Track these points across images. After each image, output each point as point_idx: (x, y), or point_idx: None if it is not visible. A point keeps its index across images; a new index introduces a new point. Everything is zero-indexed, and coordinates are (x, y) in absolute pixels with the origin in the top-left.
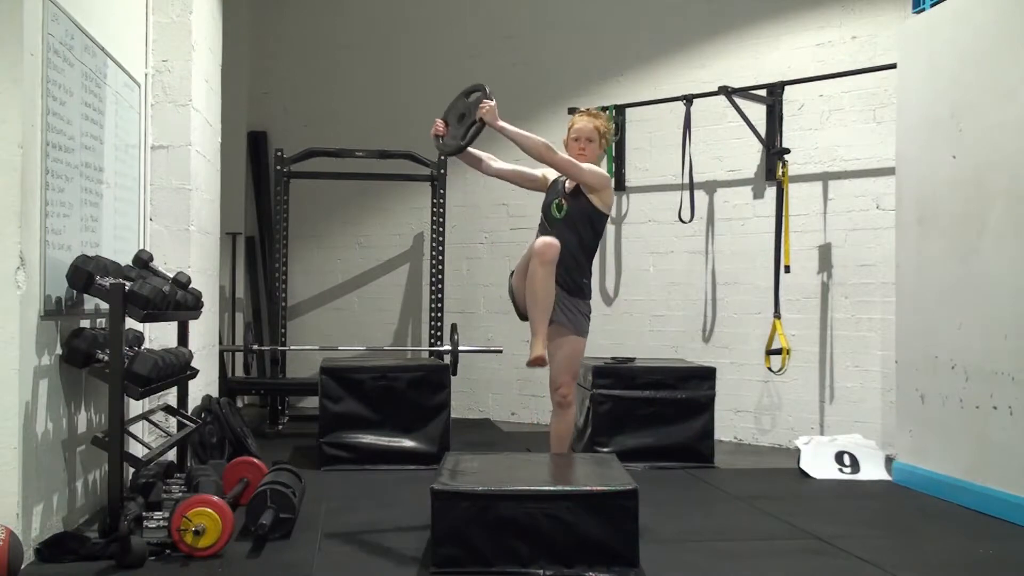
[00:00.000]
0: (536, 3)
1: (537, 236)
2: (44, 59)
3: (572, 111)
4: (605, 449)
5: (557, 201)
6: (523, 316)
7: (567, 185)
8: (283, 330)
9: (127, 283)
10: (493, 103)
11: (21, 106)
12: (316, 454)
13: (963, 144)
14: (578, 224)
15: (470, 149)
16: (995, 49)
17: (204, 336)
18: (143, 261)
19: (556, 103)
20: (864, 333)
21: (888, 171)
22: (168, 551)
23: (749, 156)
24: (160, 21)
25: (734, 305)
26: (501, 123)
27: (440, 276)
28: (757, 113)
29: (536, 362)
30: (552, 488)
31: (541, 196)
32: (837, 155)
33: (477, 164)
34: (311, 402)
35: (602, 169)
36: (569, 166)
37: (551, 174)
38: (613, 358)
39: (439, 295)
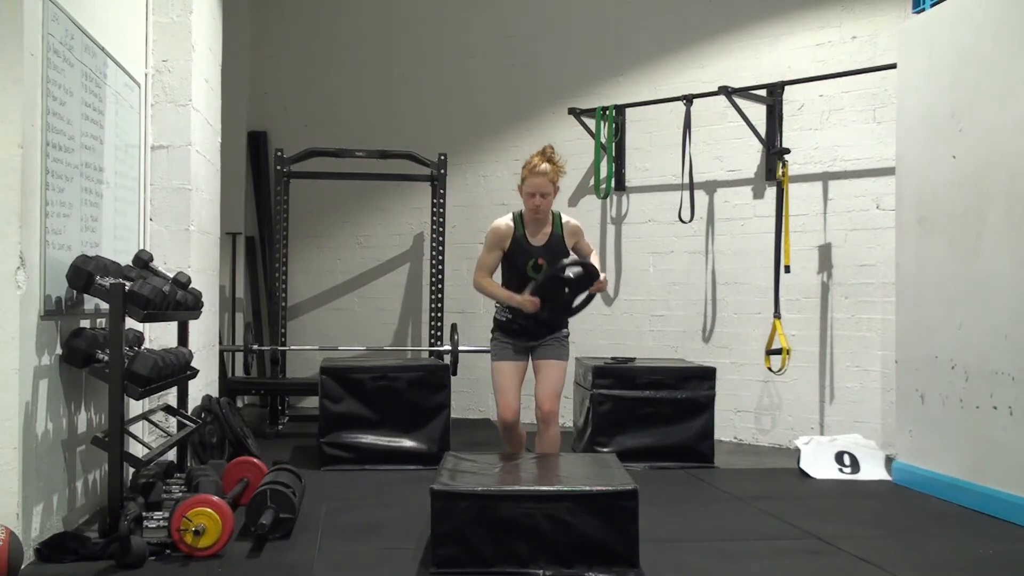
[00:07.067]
0: (536, 3)
1: (505, 279)
2: (44, 59)
3: (572, 111)
4: (605, 449)
5: (532, 263)
6: None
7: (535, 242)
8: (283, 330)
9: (127, 283)
10: (605, 278)
11: (21, 106)
12: (316, 454)
13: (963, 144)
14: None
15: None
16: (995, 49)
17: (204, 336)
18: (143, 261)
19: (556, 103)
20: (864, 333)
21: (888, 171)
22: (168, 551)
23: (749, 156)
24: (160, 21)
25: (734, 305)
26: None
27: (440, 276)
28: (757, 113)
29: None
30: (552, 488)
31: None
32: (837, 155)
33: None
34: (311, 402)
35: (577, 223)
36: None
37: (501, 226)
38: (613, 358)
39: (439, 295)
